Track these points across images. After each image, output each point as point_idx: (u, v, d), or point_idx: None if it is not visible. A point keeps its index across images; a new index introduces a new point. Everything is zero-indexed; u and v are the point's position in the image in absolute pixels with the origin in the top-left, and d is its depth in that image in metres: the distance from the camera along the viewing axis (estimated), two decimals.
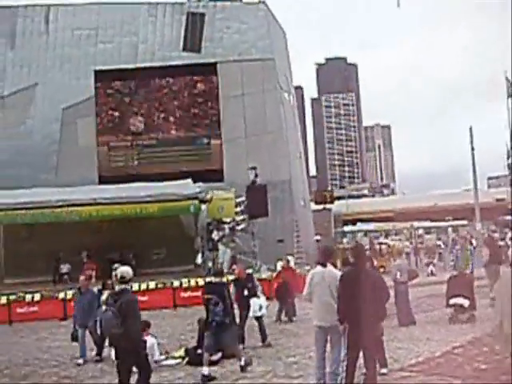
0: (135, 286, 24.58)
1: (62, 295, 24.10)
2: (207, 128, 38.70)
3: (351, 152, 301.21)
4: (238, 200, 30.58)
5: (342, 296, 8.95)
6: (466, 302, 15.44)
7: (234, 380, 10.92)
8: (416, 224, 59.87)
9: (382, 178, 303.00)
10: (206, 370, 11.07)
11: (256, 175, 29.10)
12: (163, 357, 12.87)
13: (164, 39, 38.93)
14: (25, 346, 16.98)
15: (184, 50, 38.52)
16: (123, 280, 9.47)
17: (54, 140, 37.60)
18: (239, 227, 30.91)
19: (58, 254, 31.46)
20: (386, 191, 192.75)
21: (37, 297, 24.28)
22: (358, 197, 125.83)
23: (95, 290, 15.21)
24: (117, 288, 9.79)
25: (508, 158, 48.88)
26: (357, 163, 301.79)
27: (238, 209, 30.58)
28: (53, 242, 31.82)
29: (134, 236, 32.29)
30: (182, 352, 13.04)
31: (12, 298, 24.08)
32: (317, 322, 9.82)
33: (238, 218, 30.79)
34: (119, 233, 32.44)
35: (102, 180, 36.28)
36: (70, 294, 23.98)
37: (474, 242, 35.32)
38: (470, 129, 43.49)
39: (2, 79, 38.40)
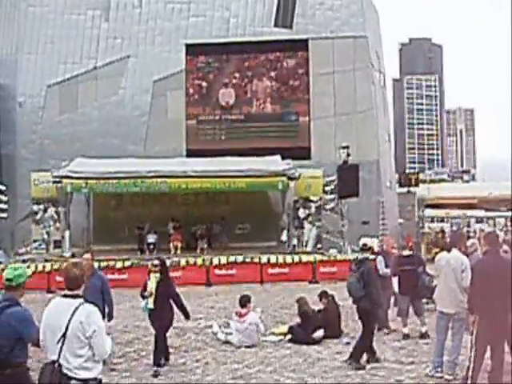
0: (223, 260, 24.86)
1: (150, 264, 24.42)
2: (296, 105, 38.33)
3: (432, 135, 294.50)
4: (328, 179, 30.24)
5: (475, 285, 8.56)
6: None
7: (342, 361, 10.69)
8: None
9: (462, 164, 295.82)
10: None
11: (348, 154, 28.63)
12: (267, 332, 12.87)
13: (256, 14, 38.68)
14: (121, 313, 17.22)
15: (276, 25, 38.22)
16: (365, 248, 10.88)
17: (144, 112, 38.10)
18: (328, 206, 30.63)
19: (144, 224, 31.96)
20: (466, 177, 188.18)
21: (127, 264, 24.77)
22: (437, 181, 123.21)
23: None
24: (359, 256, 10.92)
25: None
26: (437, 147, 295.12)
27: (328, 188, 30.26)
28: (140, 212, 32.54)
29: (221, 210, 32.57)
30: (284, 329, 12.93)
31: (103, 264, 24.59)
32: (440, 307, 9.52)
33: (327, 197, 30.51)
34: (206, 206, 32.82)
35: (190, 153, 36.56)
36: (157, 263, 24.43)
37: None
38: None
39: (95, 50, 39.03)
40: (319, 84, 37.55)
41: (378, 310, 11.12)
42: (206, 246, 30.85)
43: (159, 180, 29.14)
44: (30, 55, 38.91)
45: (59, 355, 5.46)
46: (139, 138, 37.52)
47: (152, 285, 10.89)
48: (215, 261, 24.92)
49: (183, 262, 25.04)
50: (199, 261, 25.28)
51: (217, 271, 24.59)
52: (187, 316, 11.25)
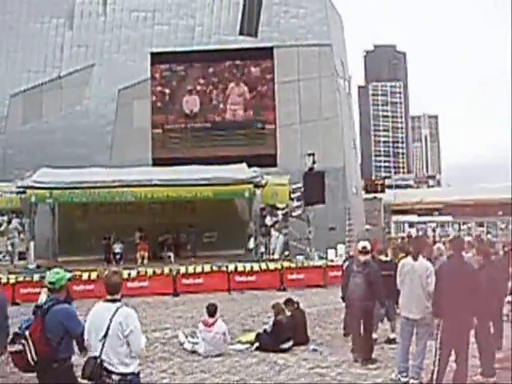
0: (190, 269, 24.75)
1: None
2: (263, 113, 38.44)
3: (397, 142, 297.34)
4: (295, 186, 30.32)
5: (439, 289, 8.67)
6: None
7: (309, 369, 10.75)
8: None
9: (427, 169, 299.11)
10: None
11: (314, 161, 28.76)
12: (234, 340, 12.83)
13: (221, 22, 38.81)
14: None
15: (241, 33, 38.39)
16: (364, 250, 11.26)
17: (110, 121, 37.92)
18: (295, 213, 30.71)
19: (110, 234, 31.72)
20: (431, 182, 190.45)
21: (93, 275, 24.48)
22: (403, 187, 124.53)
23: None
24: (361, 258, 11.19)
25: None
26: (403, 153, 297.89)
27: (294, 195, 30.34)
28: (106, 221, 32.22)
29: (188, 218, 32.44)
30: (251, 336, 12.91)
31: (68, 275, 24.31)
32: (405, 313, 9.61)
33: (294, 205, 30.59)
34: (173, 215, 32.66)
35: (156, 162, 36.47)
36: (125, 273, 24.25)
37: None
38: None
39: (59, 59, 38.81)
40: (284, 91, 37.75)
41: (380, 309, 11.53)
42: (173, 255, 30.67)
43: (125, 189, 28.89)
44: None
45: (101, 352, 6.23)
46: (105, 147, 37.31)
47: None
48: (182, 270, 24.78)
49: (150, 271, 24.85)
50: (166, 270, 25.12)
51: (184, 280, 24.40)
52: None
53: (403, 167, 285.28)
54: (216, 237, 32.93)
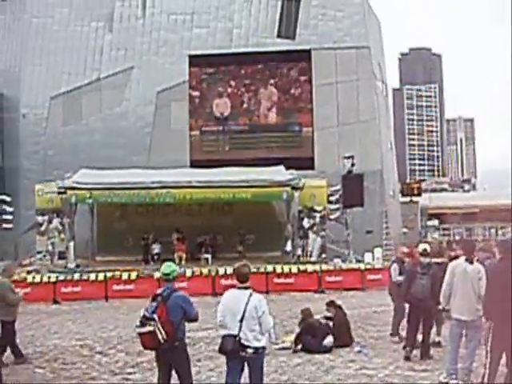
0: (229, 270, 24.82)
1: (157, 274, 24.48)
2: (299, 115, 38.46)
3: (432, 145, 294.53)
4: (333, 189, 30.29)
5: (490, 292, 8.62)
6: None
7: (356, 370, 10.78)
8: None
9: (462, 173, 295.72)
10: None
11: (352, 164, 28.72)
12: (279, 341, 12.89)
13: (258, 25, 38.94)
14: (129, 323, 17.22)
15: (278, 36, 38.46)
16: (425, 253, 11.55)
17: (148, 122, 38.27)
18: (332, 216, 30.66)
19: (148, 234, 32.00)
20: (466, 186, 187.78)
21: (133, 275, 24.75)
22: (438, 190, 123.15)
23: None
24: (424, 260, 11.50)
25: None
26: (437, 156, 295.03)
27: (333, 198, 30.29)
28: (144, 222, 32.55)
29: (225, 220, 32.59)
30: (291, 338, 12.94)
31: (109, 275, 24.63)
32: (455, 315, 9.56)
33: (332, 207, 30.54)
34: (210, 216, 32.84)
35: (194, 164, 36.68)
36: None
37: None
38: None
39: (99, 62, 39.31)
40: (322, 94, 37.71)
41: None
42: (210, 256, 30.82)
43: (163, 190, 29.17)
44: (33, 66, 39.19)
45: (239, 330, 7.44)
46: (143, 148, 37.66)
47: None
48: (221, 271, 24.92)
49: (189, 272, 25.05)
50: (205, 271, 25.30)
51: (223, 281, 24.55)
52: None
53: (438, 171, 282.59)
54: (253, 239, 32.91)
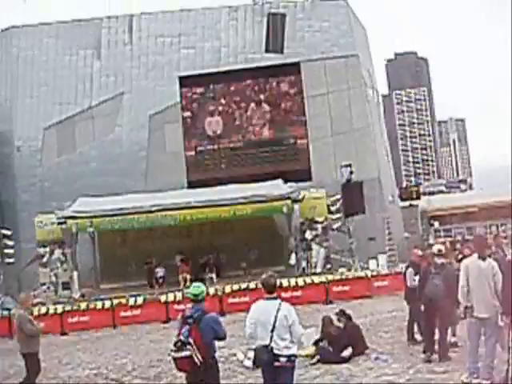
0: (235, 287, 24.76)
1: (163, 298, 24.40)
2: (293, 128, 38.45)
3: (425, 148, 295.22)
4: (333, 198, 30.31)
5: (508, 287, 8.59)
6: None
7: (376, 377, 10.68)
8: None
9: (457, 174, 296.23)
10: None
11: (351, 172, 28.76)
12: None
13: (246, 42, 39.04)
14: (142, 348, 17.14)
15: (267, 51, 38.53)
16: (440, 253, 11.77)
17: (143, 147, 38.21)
18: (335, 226, 30.63)
19: (151, 258, 31.91)
20: (463, 186, 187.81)
21: (139, 300, 24.62)
22: (436, 193, 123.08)
23: None
24: (438, 261, 11.68)
25: None
26: (431, 159, 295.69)
27: (334, 207, 30.29)
28: (146, 246, 32.49)
29: (227, 238, 32.48)
30: (310, 350, 12.83)
31: (115, 302, 24.51)
32: (473, 313, 9.51)
33: (333, 217, 30.52)
34: (212, 235, 32.76)
35: (191, 184, 36.68)
36: (171, 296, 24.38)
37: None
38: None
39: (89, 89, 39.31)
40: (314, 105, 37.75)
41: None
42: (215, 275, 30.69)
43: (164, 213, 29.20)
44: (24, 99, 39.18)
45: (270, 340, 7.68)
46: (139, 173, 37.56)
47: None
48: (227, 289, 24.82)
49: None
50: (211, 290, 25.17)
51: (230, 299, 24.46)
52: None
53: (433, 173, 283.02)
54: (256, 254, 32.74)
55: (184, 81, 38.42)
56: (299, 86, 38.26)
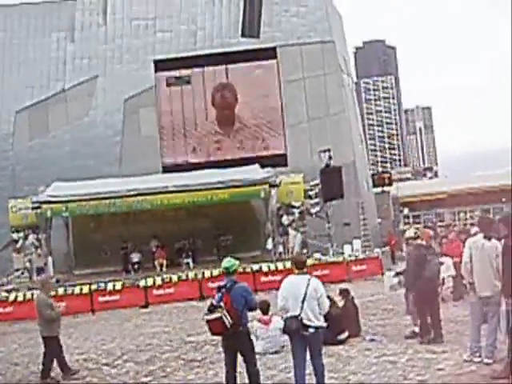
0: (215, 272, 24.69)
1: (142, 283, 24.24)
2: (269, 113, 38.23)
3: (392, 136, 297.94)
4: (312, 183, 30.33)
5: (507, 268, 8.68)
6: None
7: (376, 357, 10.80)
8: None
9: (423, 161, 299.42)
10: None
11: (330, 157, 28.80)
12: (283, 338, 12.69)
13: (222, 26, 38.65)
14: (125, 333, 17.00)
15: (243, 35, 38.22)
16: (415, 235, 12.36)
17: (117, 131, 37.68)
18: (313, 211, 30.68)
19: (126, 244, 31.68)
20: (429, 174, 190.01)
21: (118, 285, 24.42)
22: (404, 180, 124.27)
23: None
24: (414, 244, 12.25)
25: None
26: (398, 146, 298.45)
27: (311, 192, 30.32)
28: (121, 231, 32.15)
29: (203, 223, 32.33)
30: None
31: (93, 287, 24.27)
32: (477, 291, 9.60)
33: (312, 202, 30.55)
34: (188, 220, 32.55)
35: (166, 169, 36.38)
36: (150, 281, 24.25)
37: None
38: None
39: (63, 73, 38.60)
40: (290, 90, 37.61)
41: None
42: (191, 261, 30.58)
43: (140, 198, 28.97)
44: None
45: (301, 311, 8.32)
46: (114, 157, 37.06)
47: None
48: (207, 274, 24.74)
49: (175, 277, 24.82)
50: (191, 275, 25.08)
51: (210, 284, 24.34)
52: None
53: (400, 161, 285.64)
54: (232, 239, 32.66)
55: (159, 64, 37.91)
56: (275, 71, 38.10)
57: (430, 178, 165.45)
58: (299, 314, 8.34)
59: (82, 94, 38.04)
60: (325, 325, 8.68)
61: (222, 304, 8.46)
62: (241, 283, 8.80)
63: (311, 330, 8.37)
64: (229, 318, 8.35)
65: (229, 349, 8.74)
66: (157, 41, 38.49)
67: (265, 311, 12.42)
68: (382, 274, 24.34)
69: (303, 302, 8.37)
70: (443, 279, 14.97)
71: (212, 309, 8.53)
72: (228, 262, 8.83)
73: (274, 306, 13.79)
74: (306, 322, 8.34)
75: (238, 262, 8.99)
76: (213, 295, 8.80)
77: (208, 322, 8.59)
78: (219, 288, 8.74)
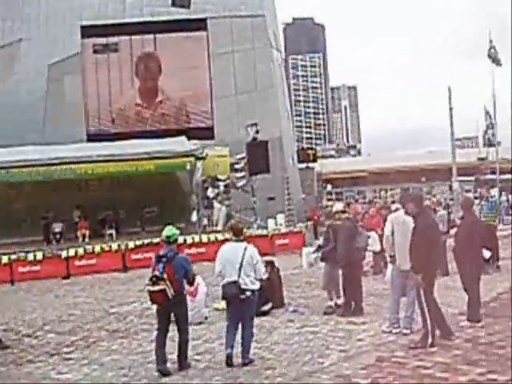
0: (139, 243, 24.54)
1: (64, 253, 23.84)
2: (197, 84, 38.00)
3: (317, 113, 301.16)
4: (238, 157, 30.39)
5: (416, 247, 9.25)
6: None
7: (298, 328, 11.07)
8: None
9: (348, 139, 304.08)
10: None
11: (257, 131, 28.90)
12: (206, 309, 12.81)
13: None
14: (47, 303, 16.71)
15: (173, 5, 37.36)
16: (342, 210, 13.11)
17: (41, 97, 36.64)
18: (239, 184, 30.78)
19: (47, 214, 30.99)
20: (352, 152, 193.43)
21: (39, 255, 23.92)
22: (327, 157, 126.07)
23: None
24: (342, 217, 12.60)
25: (486, 119, 49.95)
26: (323, 124, 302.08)
27: (238, 166, 30.40)
28: (43, 201, 31.31)
29: (127, 194, 31.94)
30: (223, 304, 12.92)
31: (13, 257, 23.70)
32: (398, 265, 9.92)
33: (237, 175, 30.64)
34: (111, 191, 32.10)
35: (91, 138, 35.68)
36: (72, 252, 23.87)
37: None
38: (449, 89, 43.50)
39: None
40: (219, 63, 37.51)
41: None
42: (114, 231, 30.26)
43: (63, 167, 28.28)
44: None
45: (238, 276, 8.83)
46: (36, 124, 36.02)
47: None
48: (131, 245, 24.56)
49: (98, 248, 24.51)
50: (114, 246, 24.83)
51: (133, 255, 24.23)
52: None
53: (324, 138, 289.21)
54: (157, 211, 32.44)
55: (86, 30, 37.00)
56: (205, 42, 37.83)
57: (354, 155, 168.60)
58: (237, 280, 8.81)
59: (5, 58, 36.89)
60: (259, 287, 9.12)
61: (165, 276, 8.62)
62: (181, 254, 9.20)
63: (248, 293, 8.83)
64: (172, 290, 8.61)
65: (164, 316, 9.01)
66: (85, 5, 37.53)
67: (191, 282, 12.41)
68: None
69: (240, 268, 8.83)
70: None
71: (155, 280, 8.67)
72: (169, 230, 9.03)
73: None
74: (243, 286, 8.82)
75: (178, 232, 9.20)
76: (153, 266, 8.82)
77: (150, 292, 8.80)
78: (158, 257, 8.85)
